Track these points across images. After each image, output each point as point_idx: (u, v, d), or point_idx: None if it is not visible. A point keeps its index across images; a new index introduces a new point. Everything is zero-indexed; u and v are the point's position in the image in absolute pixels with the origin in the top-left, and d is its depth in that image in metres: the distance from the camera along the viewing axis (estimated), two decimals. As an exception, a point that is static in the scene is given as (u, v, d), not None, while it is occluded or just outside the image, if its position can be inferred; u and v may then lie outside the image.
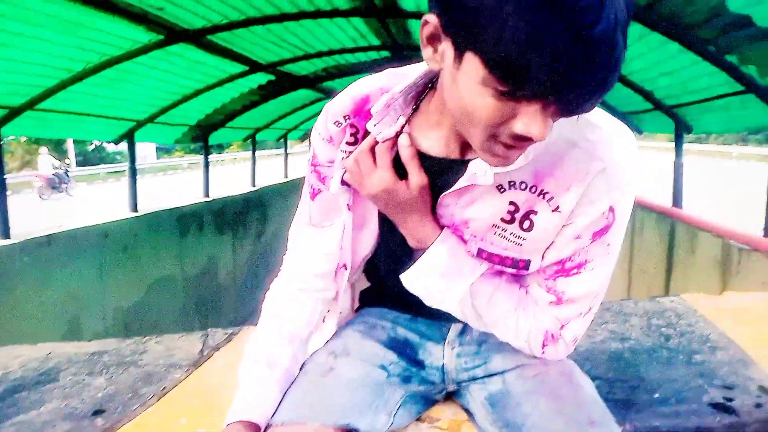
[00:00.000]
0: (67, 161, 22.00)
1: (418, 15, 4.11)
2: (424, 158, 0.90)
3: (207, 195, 6.98)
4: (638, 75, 4.37)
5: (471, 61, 0.63)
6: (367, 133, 0.91)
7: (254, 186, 8.43)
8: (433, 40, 0.70)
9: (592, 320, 1.76)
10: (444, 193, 0.88)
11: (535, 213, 0.86)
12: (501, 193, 0.86)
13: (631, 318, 1.80)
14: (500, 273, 0.94)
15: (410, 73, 0.88)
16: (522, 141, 0.69)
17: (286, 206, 9.14)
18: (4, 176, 4.08)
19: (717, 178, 17.92)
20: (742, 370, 1.51)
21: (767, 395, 1.29)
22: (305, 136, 11.49)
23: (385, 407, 0.97)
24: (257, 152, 8.79)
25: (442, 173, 0.89)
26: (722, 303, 2.11)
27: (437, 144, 0.90)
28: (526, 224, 0.87)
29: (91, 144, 37.52)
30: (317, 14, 4.06)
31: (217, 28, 4.02)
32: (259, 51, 5.03)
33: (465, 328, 1.06)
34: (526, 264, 0.90)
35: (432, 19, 0.67)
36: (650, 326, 1.71)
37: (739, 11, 2.46)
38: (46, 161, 17.31)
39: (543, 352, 0.96)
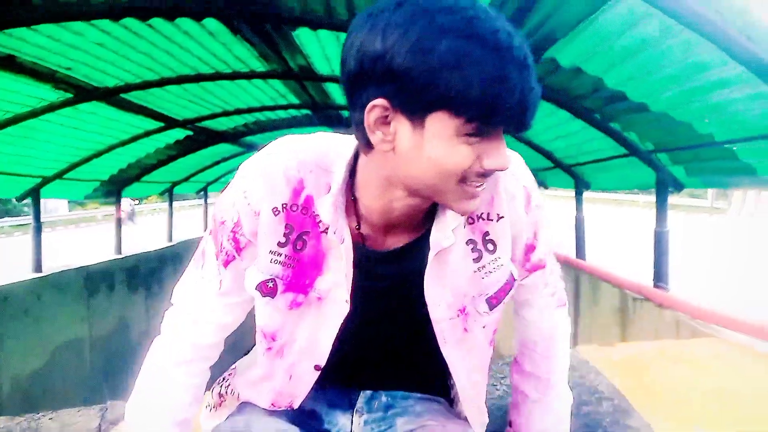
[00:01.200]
0: None
1: (333, 78, 4.26)
2: (390, 256, 0.93)
3: (119, 252, 6.70)
4: (539, 137, 4.71)
5: (437, 120, 0.70)
6: (298, 234, 0.91)
7: (171, 241, 8.18)
8: (380, 123, 0.73)
9: (493, 376, 1.86)
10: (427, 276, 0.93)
11: (488, 233, 0.93)
12: (455, 244, 0.92)
13: None
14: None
15: (331, 156, 0.90)
16: (486, 177, 0.77)
17: (205, 261, 8.89)
18: None
19: (625, 225, 19.10)
20: (624, 419, 1.65)
21: None
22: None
23: None
24: (176, 204, 8.57)
25: (413, 259, 0.93)
26: (613, 354, 2.29)
27: (392, 233, 0.94)
28: (490, 246, 0.94)
29: (-6, 195, 35.11)
30: (234, 76, 4.13)
31: (129, 87, 3.99)
32: (175, 108, 5.01)
33: (373, 395, 1.10)
34: (513, 276, 0.98)
35: (379, 102, 0.71)
36: None
37: (615, 87, 2.75)
38: None
39: (558, 312, 1.10)
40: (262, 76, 4.19)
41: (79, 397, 5.47)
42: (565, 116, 3.62)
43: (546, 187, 6.65)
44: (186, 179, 8.34)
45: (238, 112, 5.58)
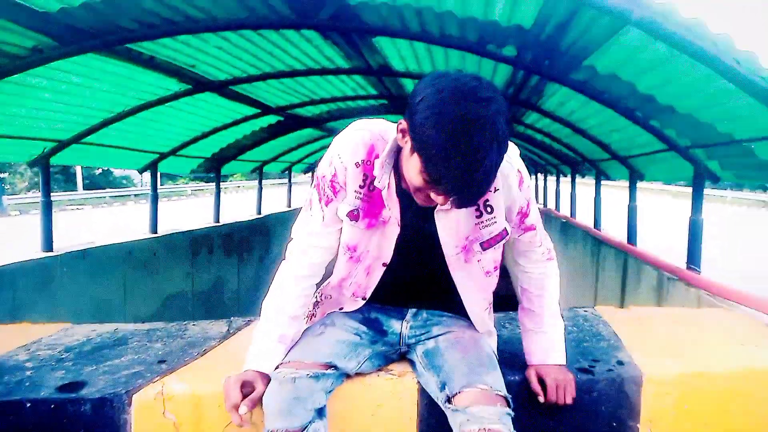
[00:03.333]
0: None
1: (407, 74, 4.87)
2: (422, 209, 1.44)
3: (217, 220, 7.66)
4: (595, 130, 5.10)
5: (416, 158, 1.19)
6: (371, 180, 1.45)
7: (259, 213, 9.12)
8: (403, 132, 1.27)
9: (503, 318, 2.36)
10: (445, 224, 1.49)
11: (488, 199, 1.48)
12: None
13: None
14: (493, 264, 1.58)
15: (389, 132, 1.42)
16: (432, 203, 1.29)
17: (287, 233, 9.79)
18: (50, 199, 4.78)
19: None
20: (612, 352, 2.11)
21: (619, 366, 1.91)
22: (308, 169, 12.22)
23: (355, 358, 1.60)
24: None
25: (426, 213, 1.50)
26: (625, 312, 2.74)
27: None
28: (489, 209, 1.50)
29: (98, 168, 38.57)
30: (323, 71, 4.81)
31: (237, 80, 4.76)
32: (271, 97, 5.79)
33: (418, 311, 1.67)
34: (506, 230, 1.53)
35: (404, 122, 1.23)
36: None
37: (645, 92, 3.19)
38: None
39: (548, 263, 1.64)
40: (346, 71, 4.85)
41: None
42: (612, 114, 4.03)
43: (608, 178, 6.96)
44: (274, 159, 9.23)
45: (324, 101, 6.30)
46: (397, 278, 1.60)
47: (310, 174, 12.72)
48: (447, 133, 1.11)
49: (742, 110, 2.58)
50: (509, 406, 1.39)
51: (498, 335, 1.88)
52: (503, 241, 1.56)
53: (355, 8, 3.04)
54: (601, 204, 7.07)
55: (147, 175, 6.36)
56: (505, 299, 2.58)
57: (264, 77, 4.80)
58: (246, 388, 1.42)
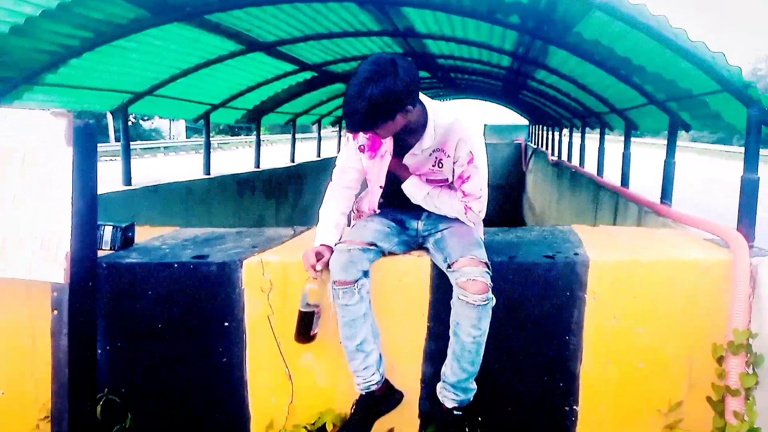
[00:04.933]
0: None
1: (429, 36, 5.63)
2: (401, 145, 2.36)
3: (257, 166, 8.59)
4: (595, 86, 5.81)
5: None
6: None
7: (293, 162, 10.02)
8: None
9: (510, 233, 3.18)
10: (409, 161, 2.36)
11: (442, 159, 2.33)
12: (430, 156, 2.34)
13: (535, 230, 3.28)
14: (441, 187, 2.45)
15: None
16: None
17: (318, 180, 10.69)
18: (129, 142, 5.71)
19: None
20: (573, 248, 2.90)
21: (575, 255, 2.73)
22: (336, 121, 13.01)
23: (389, 242, 2.47)
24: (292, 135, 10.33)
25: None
26: (594, 228, 3.51)
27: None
28: (440, 165, 2.34)
29: (129, 120, 39.64)
30: (356, 33, 5.58)
31: (283, 41, 5.56)
32: (308, 55, 6.58)
33: (430, 214, 2.50)
34: (446, 180, 2.39)
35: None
36: (542, 233, 3.09)
37: (622, 54, 3.93)
38: None
39: (467, 216, 2.34)
40: (377, 33, 5.61)
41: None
42: (603, 74, 4.75)
43: (611, 129, 7.67)
44: (306, 111, 10.04)
45: (354, 58, 7.07)
46: (400, 193, 2.45)
47: (337, 127, 13.51)
48: (349, 84, 1.90)
49: (688, 71, 3.33)
50: (488, 268, 2.20)
51: (490, 239, 2.72)
52: (443, 184, 2.39)
53: (388, -14, 3.82)
54: (605, 153, 7.80)
55: (175, 127, 7.24)
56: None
57: (305, 39, 5.59)
58: (318, 256, 2.26)
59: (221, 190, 7.24)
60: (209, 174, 7.13)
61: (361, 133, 2.26)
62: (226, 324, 2.48)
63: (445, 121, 2.20)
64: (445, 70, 8.98)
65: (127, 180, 5.64)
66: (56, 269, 2.16)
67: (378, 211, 2.53)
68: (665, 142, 5.09)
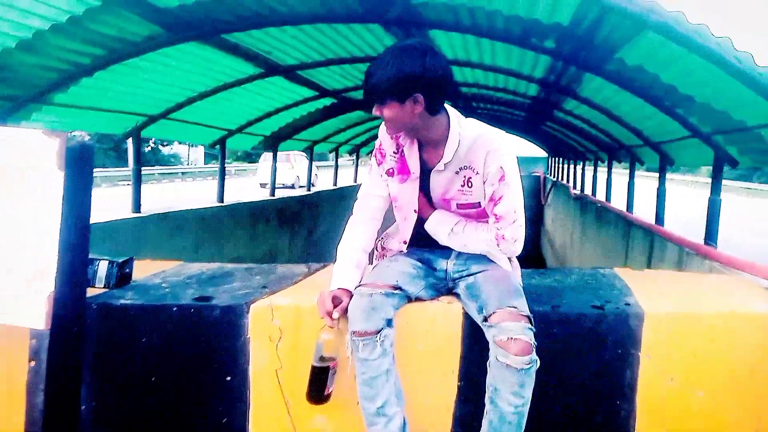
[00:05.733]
0: None
1: (455, 62, 5.39)
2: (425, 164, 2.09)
3: (273, 194, 8.35)
4: (629, 116, 5.51)
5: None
6: (402, 148, 2.09)
7: (309, 190, 9.78)
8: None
9: (546, 276, 2.85)
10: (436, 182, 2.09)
11: (470, 178, 2.03)
12: (458, 173, 2.06)
13: (575, 272, 2.94)
14: (467, 216, 2.15)
15: None
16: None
17: (334, 209, 10.46)
18: (140, 167, 5.50)
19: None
20: (622, 297, 2.58)
21: (626, 306, 2.41)
22: (353, 150, 12.83)
23: (416, 285, 2.17)
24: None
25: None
26: (638, 272, 3.20)
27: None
28: (470, 184, 2.03)
29: (149, 145, 40.19)
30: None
31: (303, 66, 5.36)
32: (328, 81, 6.38)
33: (460, 253, 2.20)
34: (479, 203, 2.06)
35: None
36: (584, 277, 2.82)
37: (668, 82, 3.63)
38: None
39: (500, 248, 2.00)
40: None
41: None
42: (640, 103, 4.46)
43: (642, 164, 7.33)
44: (324, 139, 9.85)
45: (376, 85, 6.84)
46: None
47: (354, 156, 13.33)
48: None
49: (748, 100, 3.02)
50: (531, 323, 1.86)
51: (527, 283, 2.39)
52: (473, 210, 2.07)
53: (417, 6, 3.58)
54: (635, 188, 7.45)
55: (193, 153, 7.04)
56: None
57: (327, 63, 5.38)
58: (335, 301, 1.95)
59: (234, 218, 6.99)
60: (222, 202, 6.89)
61: (388, 156, 2.05)
62: (229, 378, 2.16)
63: (471, 132, 1.97)
64: (467, 99, 8.76)
65: (137, 207, 5.41)
66: (37, 312, 1.86)
67: (405, 249, 2.23)
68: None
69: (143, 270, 2.79)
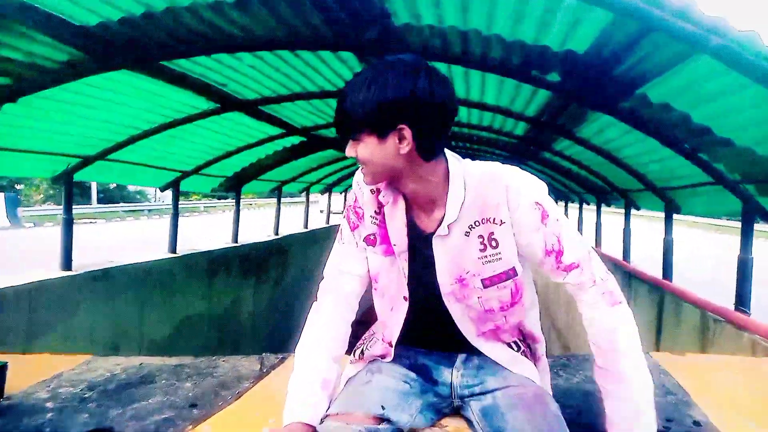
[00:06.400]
0: None
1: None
2: (415, 230, 1.43)
3: (236, 241, 7.54)
4: (632, 159, 4.93)
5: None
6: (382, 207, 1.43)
7: (277, 234, 8.99)
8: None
9: (573, 369, 2.18)
10: (442, 252, 1.39)
11: (493, 233, 1.35)
12: (468, 236, 1.37)
13: None
14: (502, 305, 1.42)
15: None
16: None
17: (305, 254, 9.67)
18: (72, 215, 4.67)
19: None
20: (684, 410, 1.92)
21: (696, 427, 1.73)
22: (326, 190, 12.12)
23: (408, 409, 1.43)
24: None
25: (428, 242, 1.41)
26: (682, 360, 2.54)
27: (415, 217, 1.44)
28: (494, 243, 1.36)
29: (112, 183, 38.89)
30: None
31: (266, 100, 4.67)
32: (296, 117, 5.69)
33: (468, 357, 1.50)
34: (514, 270, 1.37)
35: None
36: None
37: (701, 122, 3.02)
38: None
39: (613, 310, 1.35)
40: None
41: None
42: (655, 145, 3.87)
43: (637, 209, 6.76)
44: (294, 179, 9.13)
45: (350, 122, 6.19)
46: (428, 317, 1.48)
47: (326, 194, 12.62)
48: None
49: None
50: None
51: (553, 384, 1.70)
52: (509, 282, 1.39)
53: (400, 30, 2.93)
54: (631, 235, 6.87)
55: (160, 190, 6.26)
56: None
57: (293, 98, 4.71)
58: None
59: (188, 271, 6.16)
60: (175, 252, 6.06)
61: (368, 217, 1.49)
62: None
63: (478, 172, 1.40)
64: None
65: (67, 263, 4.56)
66: None
67: (392, 354, 1.54)
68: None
69: (32, 373, 2.06)
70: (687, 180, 4.35)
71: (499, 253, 1.36)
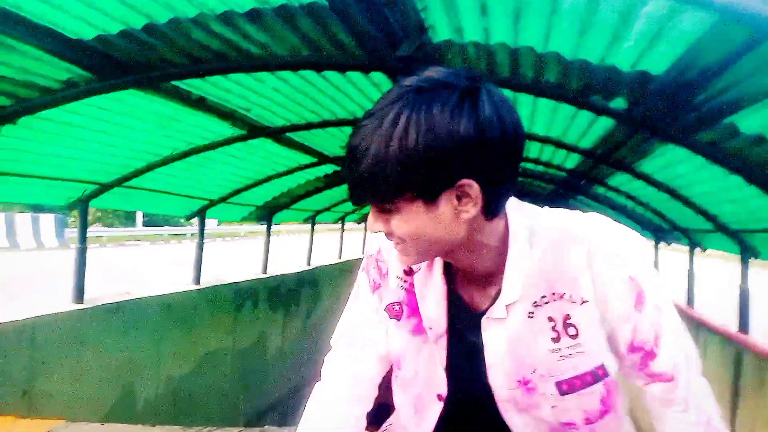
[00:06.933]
0: None
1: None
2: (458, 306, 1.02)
3: (265, 271, 7.19)
4: (702, 198, 4.35)
5: None
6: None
7: (309, 265, 8.62)
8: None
9: None
10: (494, 339, 0.96)
11: (570, 315, 0.92)
12: (533, 317, 0.94)
13: None
14: (588, 417, 0.96)
15: None
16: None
17: (337, 285, 9.26)
18: (86, 245, 4.39)
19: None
20: None
21: None
22: (363, 219, 11.76)
23: None
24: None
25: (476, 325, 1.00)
26: None
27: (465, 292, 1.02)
28: (572, 330, 0.92)
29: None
30: (388, 120, 4.31)
31: (294, 127, 4.32)
32: (328, 146, 5.34)
33: None
34: (603, 368, 0.94)
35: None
36: None
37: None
38: None
39: None
40: (415, 120, 4.33)
41: (218, 403, 5.91)
42: (737, 182, 3.31)
43: (703, 249, 6.09)
44: (328, 209, 8.78)
45: (386, 151, 5.80)
46: (471, 428, 1.07)
47: (363, 224, 12.25)
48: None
49: None
50: None
51: None
52: (597, 387, 0.95)
53: (439, 47, 2.52)
54: (695, 279, 6.19)
55: (186, 219, 5.97)
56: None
57: (323, 125, 4.35)
58: None
59: (212, 304, 5.81)
60: (199, 283, 5.73)
61: (394, 278, 1.10)
62: None
63: (550, 224, 0.99)
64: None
65: (79, 296, 4.26)
66: None
67: None
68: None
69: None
70: (770, 224, 3.76)
71: (580, 344, 0.93)
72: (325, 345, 1.23)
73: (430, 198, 0.84)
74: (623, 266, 0.92)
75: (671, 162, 3.80)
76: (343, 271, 9.71)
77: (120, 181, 4.32)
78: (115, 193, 4.49)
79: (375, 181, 0.82)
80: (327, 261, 9.54)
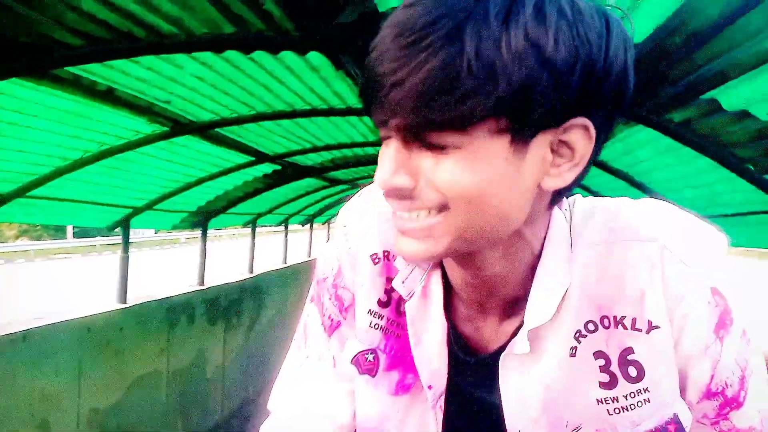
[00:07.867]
0: None
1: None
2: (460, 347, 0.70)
3: (202, 283, 6.64)
4: (662, 185, 4.19)
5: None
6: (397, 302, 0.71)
7: (251, 273, 8.11)
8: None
9: None
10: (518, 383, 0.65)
11: (632, 350, 0.62)
12: (575, 354, 0.63)
13: None
14: None
15: None
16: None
17: (283, 293, 8.79)
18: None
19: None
20: None
21: None
22: (307, 221, 11.29)
23: None
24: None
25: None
26: None
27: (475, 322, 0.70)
28: (633, 371, 0.62)
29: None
30: (330, 112, 3.92)
31: (224, 122, 3.86)
32: (266, 143, 4.89)
33: None
34: (677, 422, 0.62)
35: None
36: None
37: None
38: None
39: None
40: (358, 113, 3.96)
41: (152, 430, 5.36)
42: (705, 165, 3.13)
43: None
44: (270, 211, 8.30)
45: (328, 148, 5.41)
46: None
47: (308, 226, 11.78)
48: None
49: None
50: None
51: None
52: None
53: (386, 16, 2.15)
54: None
55: (108, 230, 5.38)
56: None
57: (257, 118, 3.90)
58: None
59: (141, 323, 5.24)
60: (125, 302, 5.15)
61: (364, 314, 0.73)
62: None
63: (603, 217, 0.64)
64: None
65: (-24, 325, 3.66)
66: None
67: None
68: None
69: None
70: (737, 208, 3.61)
71: (646, 390, 0.63)
72: (271, 357, 0.83)
73: (526, 135, 0.51)
74: (707, 276, 0.61)
75: (631, 147, 3.59)
76: (290, 277, 9.25)
77: (21, 192, 3.73)
78: (16, 205, 3.88)
79: (458, 83, 0.47)
80: (271, 267, 9.04)
